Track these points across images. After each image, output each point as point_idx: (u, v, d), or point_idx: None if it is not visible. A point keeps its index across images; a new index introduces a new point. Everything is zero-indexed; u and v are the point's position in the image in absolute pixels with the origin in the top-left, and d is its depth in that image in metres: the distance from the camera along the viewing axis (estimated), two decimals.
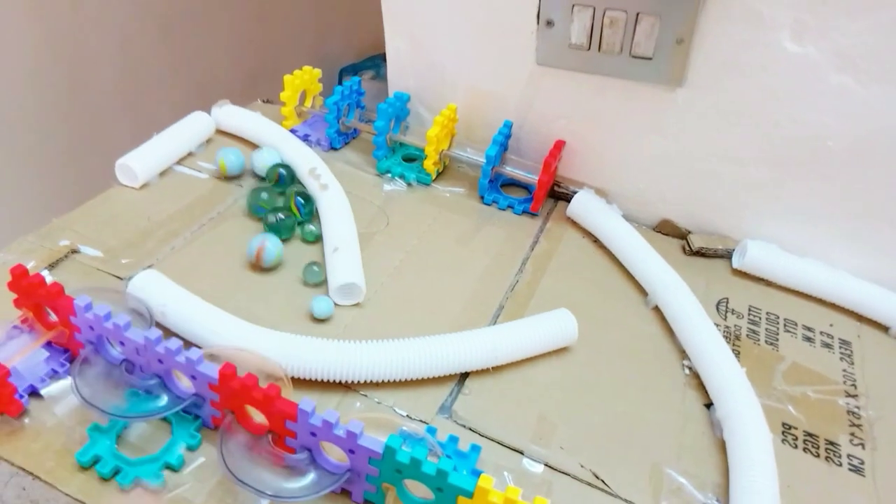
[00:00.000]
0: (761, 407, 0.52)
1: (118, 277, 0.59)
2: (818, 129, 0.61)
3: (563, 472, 0.48)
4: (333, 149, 0.80)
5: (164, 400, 0.46)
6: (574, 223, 0.73)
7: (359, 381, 0.51)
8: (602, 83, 0.67)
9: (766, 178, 0.66)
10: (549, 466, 0.48)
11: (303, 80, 0.82)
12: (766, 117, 0.63)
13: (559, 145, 0.72)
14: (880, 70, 0.57)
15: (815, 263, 0.67)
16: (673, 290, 0.62)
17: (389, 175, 0.76)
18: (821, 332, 0.63)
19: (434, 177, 0.76)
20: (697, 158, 0.68)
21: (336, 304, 0.58)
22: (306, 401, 0.41)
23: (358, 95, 0.82)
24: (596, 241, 0.71)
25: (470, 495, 0.39)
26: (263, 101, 0.89)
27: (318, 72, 0.84)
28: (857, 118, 0.59)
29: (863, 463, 0.52)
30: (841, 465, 0.51)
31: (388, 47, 0.79)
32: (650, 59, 0.63)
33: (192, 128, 0.76)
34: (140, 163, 0.69)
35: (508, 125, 0.74)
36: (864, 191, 0.63)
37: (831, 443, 0.53)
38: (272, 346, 0.50)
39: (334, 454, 0.43)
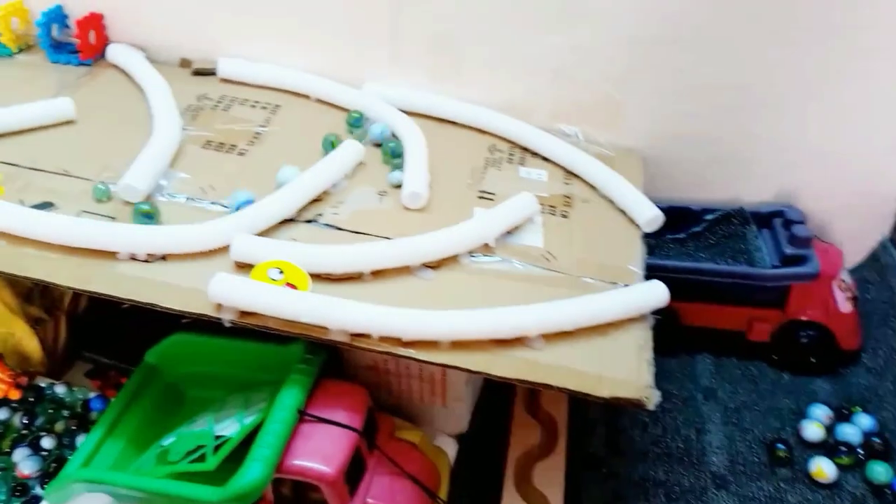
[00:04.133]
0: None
1: None
2: None
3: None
4: None
5: None
6: (117, 67, 1.05)
7: None
8: None
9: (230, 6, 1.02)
10: None
11: None
12: None
13: (94, 16, 1.04)
14: None
15: (271, 66, 1.04)
16: (162, 92, 0.96)
17: None
18: (263, 103, 1.00)
19: (17, 51, 1.06)
20: (182, 5, 1.02)
21: None
22: None
23: None
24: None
25: None
26: None
27: None
28: None
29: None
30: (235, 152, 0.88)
31: None
32: None
33: None
34: None
35: (59, 7, 1.05)
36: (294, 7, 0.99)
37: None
38: None
39: None
